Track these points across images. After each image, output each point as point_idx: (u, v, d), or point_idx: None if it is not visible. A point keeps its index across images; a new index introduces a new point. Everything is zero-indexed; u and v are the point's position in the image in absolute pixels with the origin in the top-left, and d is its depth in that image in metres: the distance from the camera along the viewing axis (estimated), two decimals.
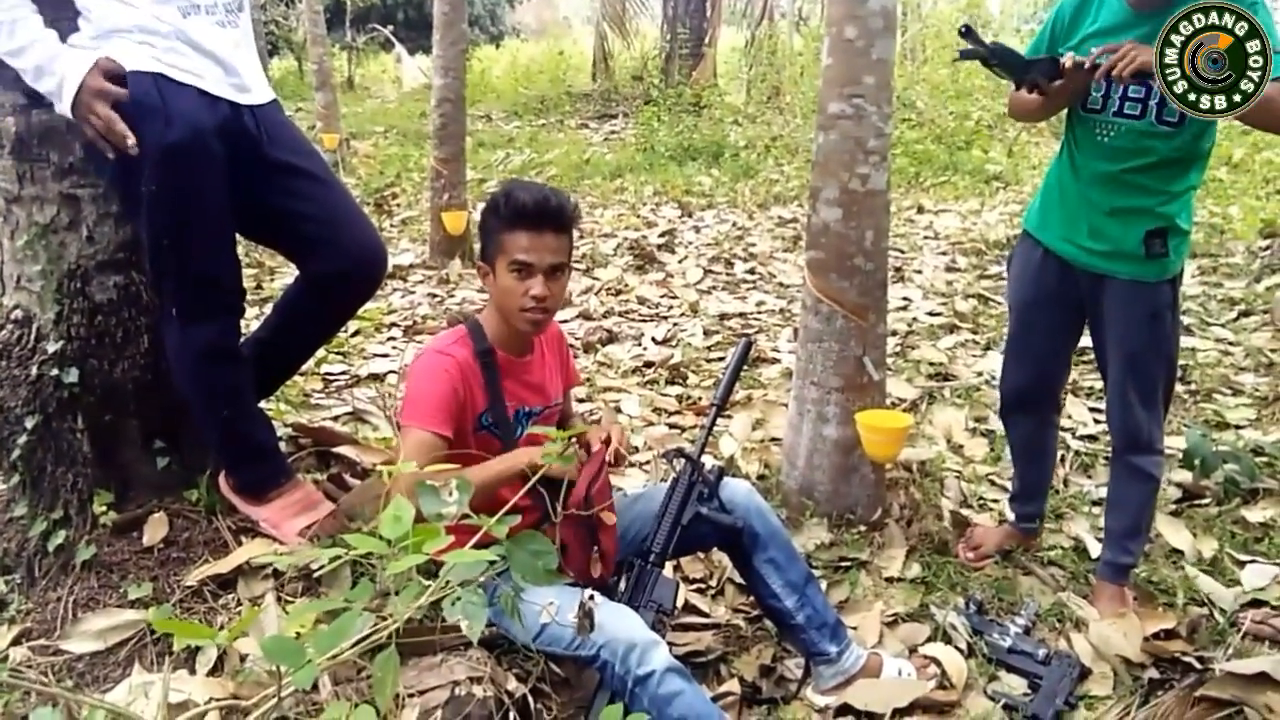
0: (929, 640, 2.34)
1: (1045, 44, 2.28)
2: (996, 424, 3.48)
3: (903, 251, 6.24)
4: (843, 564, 2.62)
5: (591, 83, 14.59)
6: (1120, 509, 2.42)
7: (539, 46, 19.36)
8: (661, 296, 5.45)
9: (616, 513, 1.95)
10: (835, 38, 2.56)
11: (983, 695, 2.17)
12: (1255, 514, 2.86)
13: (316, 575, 2.04)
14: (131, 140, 1.79)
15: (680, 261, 6.14)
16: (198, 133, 1.85)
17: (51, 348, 2.03)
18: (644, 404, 3.84)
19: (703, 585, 2.55)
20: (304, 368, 2.68)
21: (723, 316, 5.04)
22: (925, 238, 6.71)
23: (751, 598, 2.31)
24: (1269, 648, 2.28)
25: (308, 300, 2.22)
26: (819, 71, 2.72)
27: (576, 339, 4.65)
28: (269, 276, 5.41)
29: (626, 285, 5.66)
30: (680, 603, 2.29)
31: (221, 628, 1.91)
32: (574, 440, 1.83)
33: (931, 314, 4.94)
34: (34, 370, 2.02)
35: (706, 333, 4.75)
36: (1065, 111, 2.31)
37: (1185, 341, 3.63)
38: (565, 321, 4.90)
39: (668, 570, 2.06)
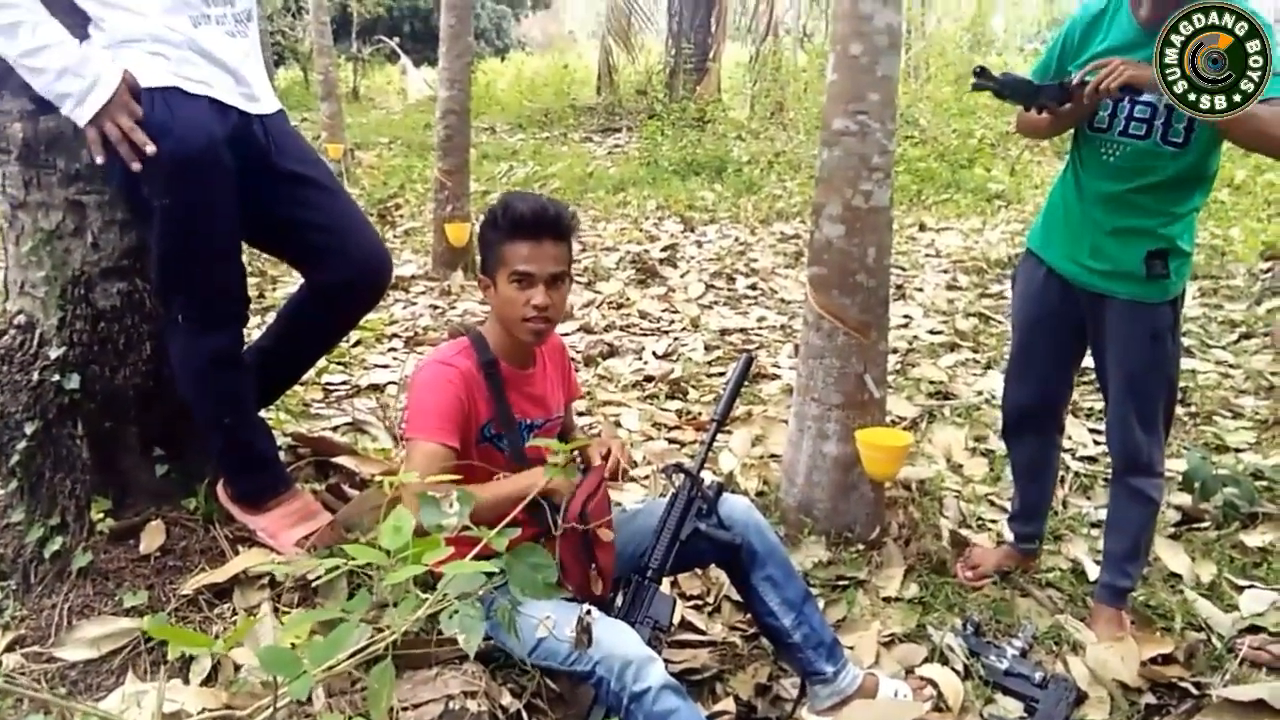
0: (926, 661, 2.34)
1: (1055, 61, 2.29)
2: (996, 444, 3.48)
3: (904, 269, 6.25)
4: (840, 583, 2.62)
5: (596, 96, 14.64)
6: (1119, 531, 2.42)
7: (544, 60, 19.45)
8: (663, 311, 5.45)
9: (615, 528, 1.95)
10: (840, 54, 2.57)
11: (979, 718, 2.17)
12: (1254, 538, 2.85)
13: (313, 586, 2.03)
14: (152, 148, 1.79)
15: (682, 276, 6.15)
16: (210, 143, 1.86)
17: (54, 353, 2.03)
18: (644, 418, 3.84)
19: (700, 602, 2.54)
20: (304, 377, 2.68)
21: (724, 332, 5.04)
22: (927, 255, 6.72)
23: (748, 615, 2.30)
24: (1267, 674, 2.27)
25: (312, 309, 2.22)
26: (823, 88, 2.73)
27: (577, 352, 4.65)
28: (271, 285, 5.42)
29: (628, 299, 5.67)
30: (677, 619, 2.28)
31: (217, 637, 1.90)
32: (575, 454, 1.83)
33: (932, 332, 4.94)
34: (35, 376, 2.02)
35: (707, 348, 4.76)
36: (1071, 131, 2.32)
37: (1185, 364, 3.63)
38: (566, 335, 4.90)
39: (665, 586, 2.05)
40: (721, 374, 4.37)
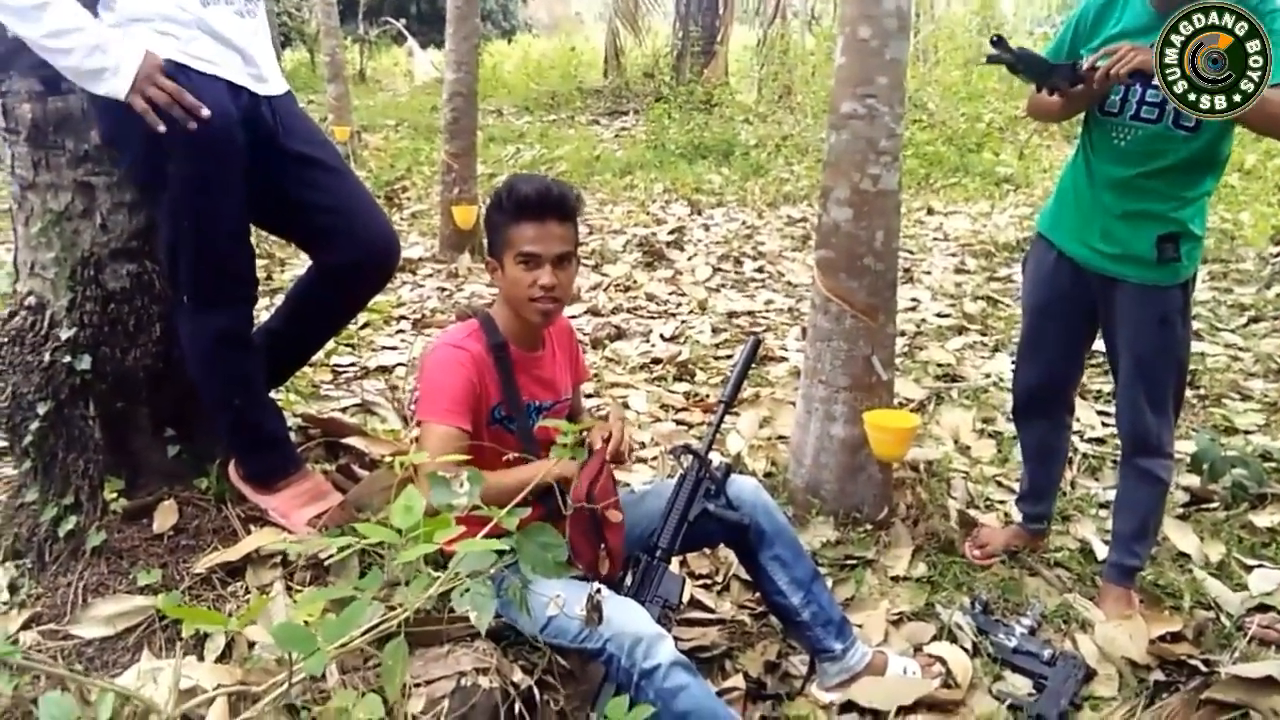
0: (934, 639, 2.35)
1: (1067, 44, 2.28)
2: (1004, 425, 3.49)
3: (912, 252, 6.24)
4: (849, 562, 2.63)
5: (603, 79, 14.58)
6: (1128, 511, 2.42)
7: (551, 42, 19.36)
8: (670, 294, 5.45)
9: (623, 509, 1.95)
10: (849, 37, 2.56)
11: (987, 695, 2.17)
12: (1263, 519, 2.85)
13: (325, 564, 2.05)
14: (206, 111, 1.80)
15: (689, 259, 6.14)
16: (225, 122, 1.87)
17: (64, 335, 2.04)
18: (651, 400, 3.85)
19: (709, 581, 2.55)
20: (313, 359, 2.69)
21: (731, 314, 5.04)
22: (935, 239, 6.70)
23: (757, 594, 2.31)
24: (1275, 652, 2.28)
25: (320, 290, 2.23)
26: (831, 71, 2.72)
27: (585, 335, 4.66)
28: (279, 267, 5.43)
29: (635, 282, 5.67)
30: (686, 598, 2.29)
31: (230, 615, 1.92)
32: (584, 435, 1.84)
33: (940, 315, 4.94)
34: (47, 357, 2.03)
35: (715, 330, 4.76)
36: (1082, 115, 2.31)
37: (1195, 346, 3.63)
38: (574, 317, 4.90)
39: (674, 566, 2.06)
40: (729, 356, 4.37)
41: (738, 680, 2.16)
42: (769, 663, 2.26)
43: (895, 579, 2.57)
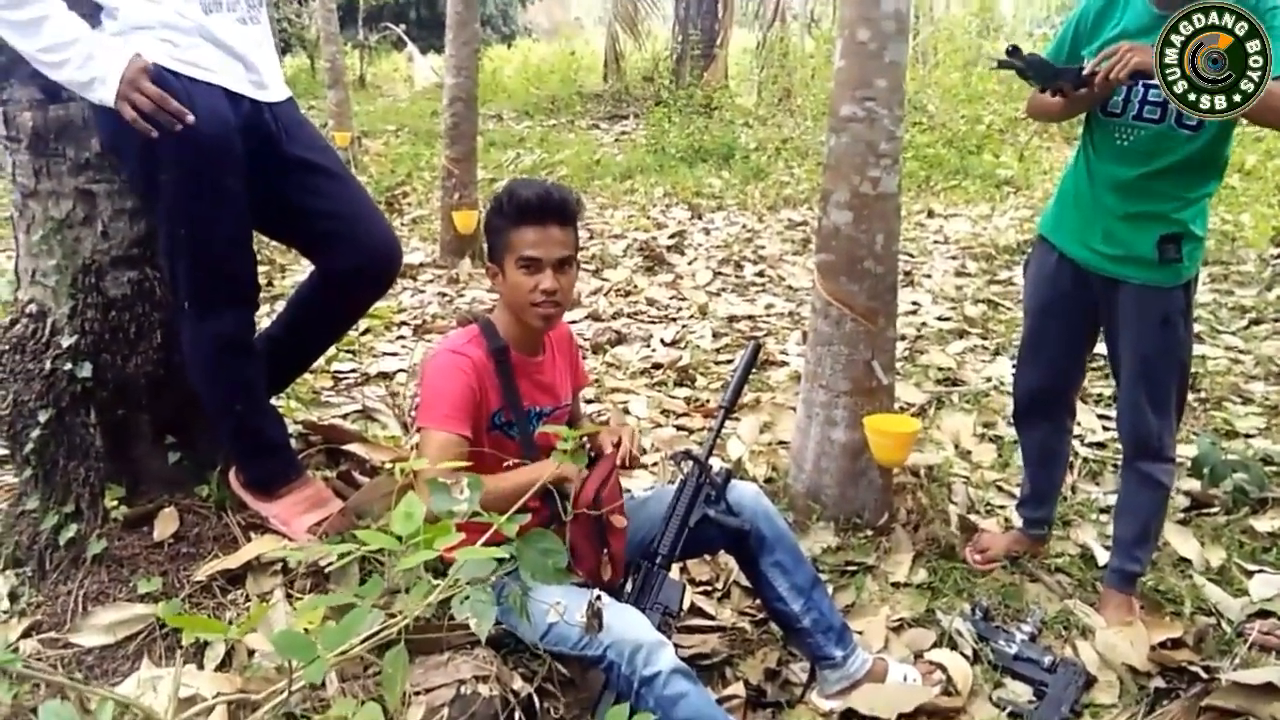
0: (935, 646, 2.34)
1: (1067, 44, 2.28)
2: (1005, 430, 3.48)
3: (912, 256, 6.24)
4: (849, 568, 2.62)
5: (603, 83, 14.59)
6: (1129, 516, 2.42)
7: (551, 46, 19.38)
8: (670, 298, 5.45)
9: (625, 514, 1.95)
10: (848, 40, 2.56)
11: (988, 702, 2.17)
12: (1264, 523, 2.85)
13: (326, 572, 2.05)
14: (191, 117, 1.80)
15: (690, 263, 6.14)
16: (223, 129, 1.87)
17: (65, 342, 2.04)
18: (652, 405, 3.85)
19: (709, 588, 2.55)
20: (314, 365, 2.69)
21: (731, 319, 5.04)
22: (935, 242, 6.70)
23: (757, 601, 2.31)
24: (1276, 658, 2.27)
25: (322, 296, 2.23)
26: (830, 74, 2.72)
27: (585, 340, 4.66)
28: (280, 274, 5.43)
29: (636, 286, 5.67)
30: (686, 605, 2.29)
31: (230, 623, 1.92)
32: (584, 440, 1.84)
33: (941, 319, 4.94)
34: (48, 364, 2.04)
35: (715, 335, 4.76)
36: (1083, 117, 2.31)
37: (1195, 349, 3.63)
38: (574, 322, 4.90)
39: (674, 572, 2.06)
40: (729, 361, 4.37)
41: (738, 688, 2.15)
42: (769, 670, 2.25)
43: (896, 585, 2.57)
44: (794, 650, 2.28)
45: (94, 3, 1.83)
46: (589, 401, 3.82)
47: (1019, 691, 2.20)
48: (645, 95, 13.38)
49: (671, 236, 6.67)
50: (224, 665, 1.88)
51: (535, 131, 11.76)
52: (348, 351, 4.31)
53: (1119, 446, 2.50)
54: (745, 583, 2.36)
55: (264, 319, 2.42)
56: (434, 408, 1.87)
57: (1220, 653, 2.30)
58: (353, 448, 2.62)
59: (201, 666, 1.87)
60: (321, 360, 2.93)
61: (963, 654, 2.29)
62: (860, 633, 2.32)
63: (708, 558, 2.58)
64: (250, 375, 2.12)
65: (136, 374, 2.11)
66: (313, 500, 2.18)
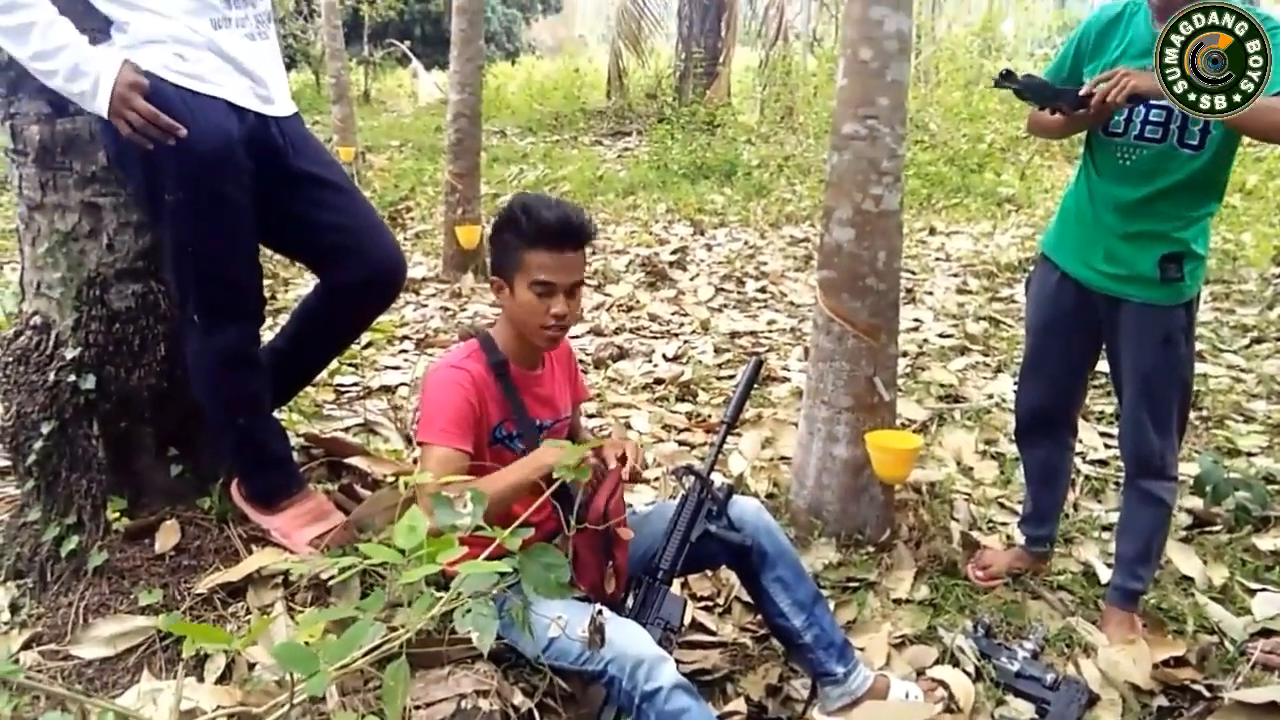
0: (937, 663, 2.34)
1: (1068, 63, 2.29)
2: (1007, 447, 3.48)
3: (914, 273, 6.25)
4: (851, 584, 2.62)
5: (606, 100, 14.64)
6: (1131, 534, 2.42)
7: (554, 64, 19.48)
8: (673, 314, 5.46)
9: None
10: (850, 59, 2.58)
11: (990, 719, 2.16)
12: (1266, 542, 2.84)
13: (327, 585, 2.05)
14: (183, 130, 1.81)
15: (692, 279, 6.16)
16: (226, 143, 1.88)
17: (69, 354, 2.05)
18: (654, 421, 3.85)
19: (710, 603, 2.55)
20: (316, 379, 2.70)
21: (734, 334, 5.05)
22: (937, 259, 6.72)
23: (759, 616, 2.30)
24: (1278, 677, 2.26)
25: (327, 309, 2.24)
26: (833, 92, 2.73)
27: (588, 355, 4.66)
28: (283, 287, 5.45)
29: (638, 302, 5.68)
30: (688, 620, 2.29)
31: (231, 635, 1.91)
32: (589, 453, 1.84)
33: (942, 335, 4.94)
34: (51, 376, 2.04)
35: (717, 350, 4.76)
36: (1084, 136, 2.32)
37: (1197, 367, 3.64)
38: (576, 337, 4.91)
39: (676, 588, 2.06)
40: (731, 377, 4.37)
41: (739, 704, 2.15)
42: (770, 686, 2.25)
43: (897, 601, 2.56)
44: (795, 666, 2.28)
45: (104, 17, 1.84)
46: (590, 416, 3.83)
47: (1021, 709, 2.19)
48: (648, 112, 13.43)
49: (674, 252, 6.69)
50: (224, 678, 1.88)
51: (539, 147, 11.80)
52: (350, 365, 4.32)
53: (1121, 464, 2.50)
54: (747, 598, 2.35)
55: (267, 332, 2.43)
56: (434, 423, 1.87)
57: (1223, 671, 2.29)
58: (354, 461, 2.62)
59: (202, 679, 1.86)
60: (324, 374, 2.93)
61: (965, 671, 2.29)
62: (862, 649, 2.31)
63: (709, 573, 2.58)
64: (254, 389, 2.13)
65: (140, 386, 2.11)
66: (314, 513, 2.18)
